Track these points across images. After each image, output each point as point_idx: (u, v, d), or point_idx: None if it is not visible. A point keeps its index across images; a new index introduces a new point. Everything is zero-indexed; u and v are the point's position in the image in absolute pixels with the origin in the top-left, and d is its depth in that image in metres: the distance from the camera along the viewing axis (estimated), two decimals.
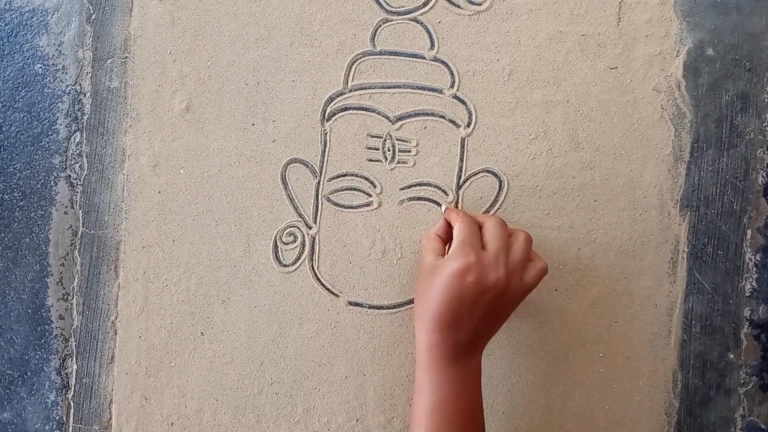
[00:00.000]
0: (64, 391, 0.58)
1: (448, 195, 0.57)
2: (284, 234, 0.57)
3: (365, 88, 0.57)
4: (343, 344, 0.57)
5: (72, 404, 0.58)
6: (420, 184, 0.57)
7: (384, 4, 0.56)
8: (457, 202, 0.57)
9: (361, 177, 0.57)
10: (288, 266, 0.57)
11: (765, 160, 0.56)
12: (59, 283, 0.58)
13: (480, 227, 0.52)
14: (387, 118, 0.57)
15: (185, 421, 0.57)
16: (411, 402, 0.55)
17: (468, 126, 0.57)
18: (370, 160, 0.57)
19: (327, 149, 0.57)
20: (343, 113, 0.57)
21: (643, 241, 0.56)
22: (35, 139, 0.58)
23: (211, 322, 0.57)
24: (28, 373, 0.58)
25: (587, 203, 0.57)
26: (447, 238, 0.54)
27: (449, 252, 0.51)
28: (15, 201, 0.58)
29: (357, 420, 0.57)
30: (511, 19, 0.56)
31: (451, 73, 0.57)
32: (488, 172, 0.57)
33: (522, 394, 0.57)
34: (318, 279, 0.57)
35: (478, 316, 0.48)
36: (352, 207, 0.57)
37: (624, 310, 0.57)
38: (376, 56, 0.57)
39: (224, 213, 0.57)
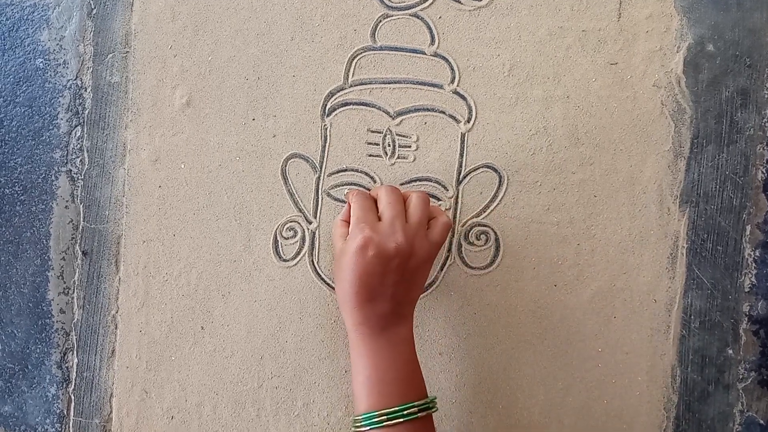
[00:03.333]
0: (64, 385, 0.58)
1: (447, 190, 0.57)
2: (284, 229, 0.57)
3: (365, 84, 0.57)
4: (343, 338, 0.57)
5: (73, 398, 0.58)
6: (420, 180, 0.57)
7: None
8: (456, 198, 0.57)
9: (362, 172, 0.57)
10: (288, 261, 0.57)
11: (765, 156, 0.56)
12: (60, 277, 0.58)
13: (375, 201, 0.53)
14: (387, 113, 0.57)
15: (185, 414, 0.58)
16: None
17: (468, 121, 0.57)
18: (370, 156, 0.57)
19: (327, 144, 0.57)
20: (344, 108, 0.57)
21: (642, 236, 0.57)
22: (36, 133, 0.58)
23: (212, 316, 0.57)
24: (29, 367, 0.58)
25: (587, 199, 0.57)
26: None
27: (349, 233, 0.51)
28: (16, 195, 0.58)
29: None
30: (512, 15, 0.56)
31: (452, 69, 0.57)
32: (488, 167, 0.57)
33: (521, 389, 0.57)
34: (318, 274, 0.57)
35: (391, 285, 0.49)
36: None
37: (623, 306, 0.57)
38: (377, 51, 0.57)
39: (224, 208, 0.57)
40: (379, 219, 0.51)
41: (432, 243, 0.51)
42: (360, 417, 0.48)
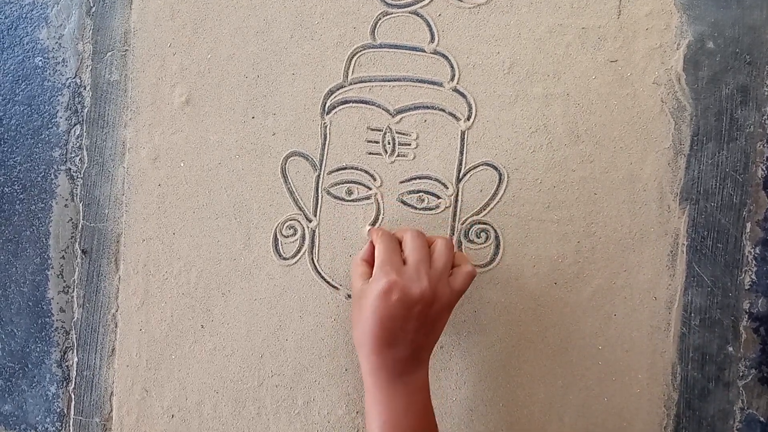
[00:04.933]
0: (64, 384, 0.58)
1: (447, 188, 0.57)
2: (284, 227, 0.57)
3: (365, 81, 0.57)
4: (343, 337, 0.57)
5: (73, 396, 0.58)
6: (420, 177, 0.57)
7: None
8: (456, 196, 0.57)
9: (361, 170, 0.57)
10: (288, 259, 0.57)
11: (765, 153, 0.56)
12: (60, 276, 0.58)
13: (400, 243, 0.52)
14: (387, 111, 0.57)
15: (186, 413, 0.58)
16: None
17: (468, 119, 0.57)
18: (370, 153, 0.57)
19: (327, 142, 0.57)
20: (343, 106, 0.57)
21: (642, 234, 0.57)
22: (35, 132, 0.58)
23: (212, 314, 0.57)
24: (29, 366, 0.58)
25: (587, 196, 0.57)
26: (373, 260, 0.53)
27: (372, 274, 0.50)
28: (15, 194, 0.58)
29: (357, 412, 0.57)
30: (512, 12, 0.56)
31: (451, 66, 0.57)
32: (488, 165, 0.57)
33: (521, 386, 0.57)
34: (318, 272, 0.57)
35: (412, 330, 0.49)
36: (352, 200, 0.57)
37: (623, 303, 0.57)
38: (376, 49, 0.57)
39: (224, 206, 0.57)
40: (404, 262, 0.50)
41: (454, 290, 0.51)
42: None
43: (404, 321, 0.48)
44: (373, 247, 0.53)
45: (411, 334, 0.49)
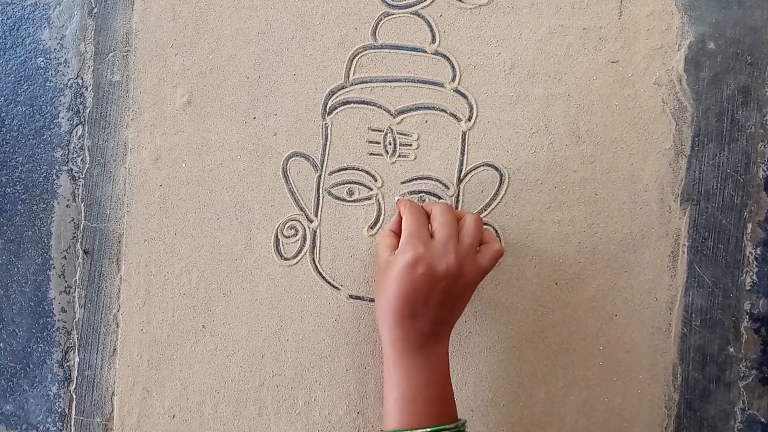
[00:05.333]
0: (66, 384, 0.58)
1: (449, 189, 0.57)
2: (285, 227, 0.57)
3: (366, 82, 0.57)
4: (344, 337, 0.57)
5: (74, 396, 0.58)
6: (421, 178, 0.57)
7: None
8: (457, 196, 0.57)
9: (362, 171, 0.57)
10: (289, 260, 0.57)
11: (766, 154, 0.56)
12: (61, 276, 0.58)
13: (428, 216, 0.52)
14: (388, 111, 0.57)
15: (187, 413, 0.58)
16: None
17: (469, 120, 0.57)
18: (371, 154, 0.57)
19: (328, 143, 0.57)
20: (345, 107, 0.57)
21: (643, 234, 0.57)
22: (37, 132, 0.58)
23: (213, 315, 0.57)
24: (31, 366, 0.59)
25: (588, 197, 0.57)
26: (401, 231, 0.53)
27: (399, 246, 0.51)
28: (17, 194, 0.58)
29: (358, 412, 0.57)
30: (513, 13, 0.56)
31: (453, 67, 0.57)
32: (489, 165, 0.57)
33: (522, 387, 0.57)
34: (319, 272, 0.57)
35: (435, 305, 0.49)
36: (353, 201, 0.57)
37: (624, 304, 0.57)
38: (378, 50, 0.57)
39: (225, 206, 0.57)
40: (431, 235, 0.50)
41: (480, 268, 0.50)
42: None
43: (428, 295, 0.48)
44: (401, 219, 0.53)
45: (434, 308, 0.49)
